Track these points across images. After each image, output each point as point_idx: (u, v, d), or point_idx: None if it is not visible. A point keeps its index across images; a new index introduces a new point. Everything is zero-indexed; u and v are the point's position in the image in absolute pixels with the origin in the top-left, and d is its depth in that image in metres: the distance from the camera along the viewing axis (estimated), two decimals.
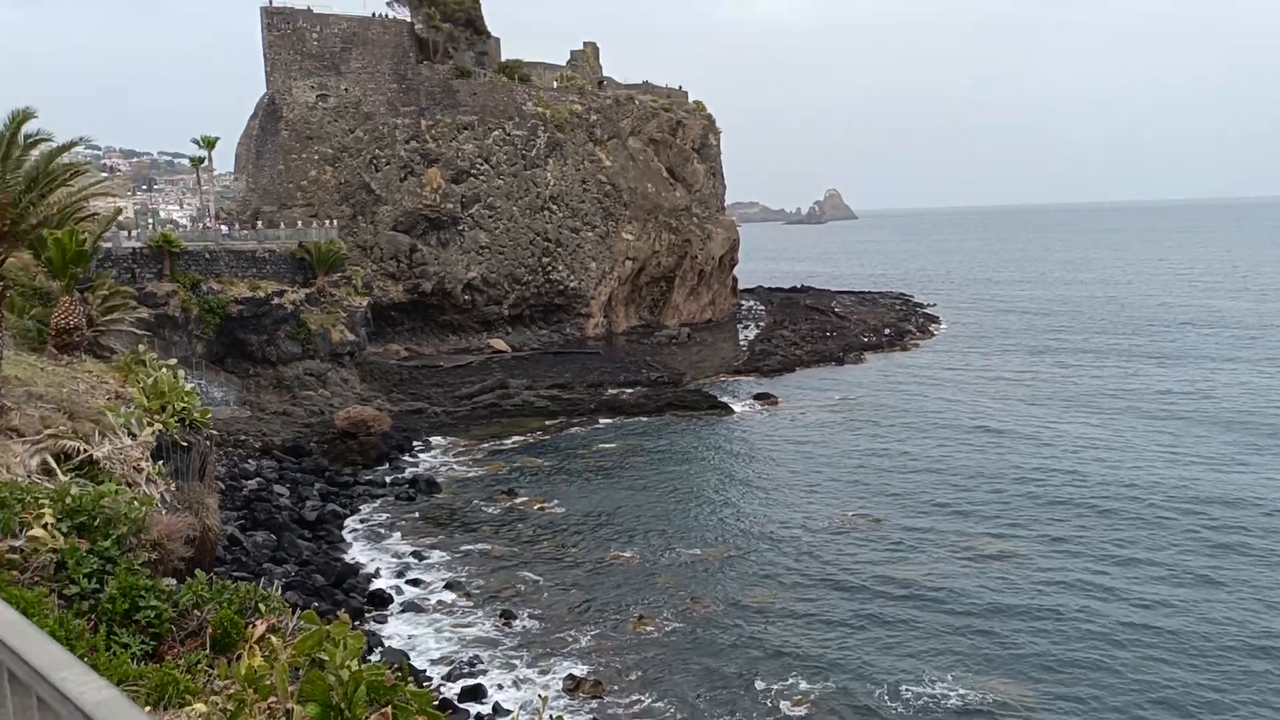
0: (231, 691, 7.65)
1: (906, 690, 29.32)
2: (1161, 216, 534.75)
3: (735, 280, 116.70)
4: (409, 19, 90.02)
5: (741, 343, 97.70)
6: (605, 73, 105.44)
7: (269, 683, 7.44)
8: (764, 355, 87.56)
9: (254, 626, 10.54)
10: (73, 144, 23.82)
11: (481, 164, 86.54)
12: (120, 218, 61.03)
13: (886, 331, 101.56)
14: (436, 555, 41.54)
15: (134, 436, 22.48)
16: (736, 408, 68.47)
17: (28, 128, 22.43)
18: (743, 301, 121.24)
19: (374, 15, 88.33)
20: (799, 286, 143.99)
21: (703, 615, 35.06)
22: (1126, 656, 31.12)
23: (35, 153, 22.90)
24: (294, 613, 11.77)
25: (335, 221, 79.20)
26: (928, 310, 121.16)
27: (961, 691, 29.14)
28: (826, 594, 36.61)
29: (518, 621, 34.58)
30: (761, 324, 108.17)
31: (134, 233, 67.50)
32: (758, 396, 71.61)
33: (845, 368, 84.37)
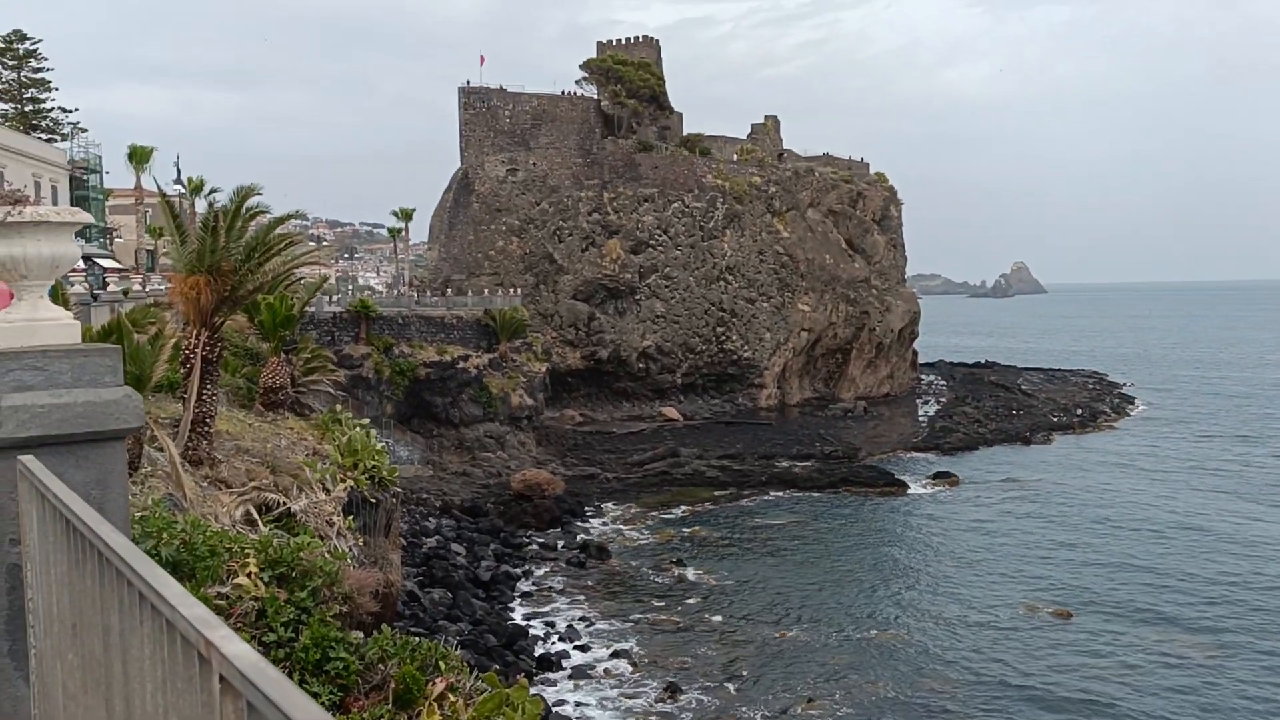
0: None
1: None
2: None
3: (915, 354, 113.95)
4: (596, 96, 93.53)
5: (921, 418, 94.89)
6: (786, 145, 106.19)
7: None
8: (945, 432, 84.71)
9: (434, 684, 10.83)
10: (287, 217, 25.72)
11: (660, 235, 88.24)
12: (323, 284, 65.56)
13: (1078, 411, 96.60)
14: (604, 622, 41.71)
15: (328, 491, 23.72)
16: (914, 486, 66.35)
17: (249, 202, 24.39)
18: (923, 376, 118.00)
19: (563, 93, 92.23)
20: (983, 362, 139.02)
21: (873, 702, 33.75)
22: None
23: (254, 224, 24.83)
24: (470, 672, 12.04)
25: (519, 290, 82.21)
26: (1123, 390, 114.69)
27: None
28: (1008, 694, 34.59)
29: (685, 695, 34.19)
30: (942, 399, 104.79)
31: (335, 298, 71.98)
32: (937, 475, 69.18)
33: (1032, 448, 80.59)
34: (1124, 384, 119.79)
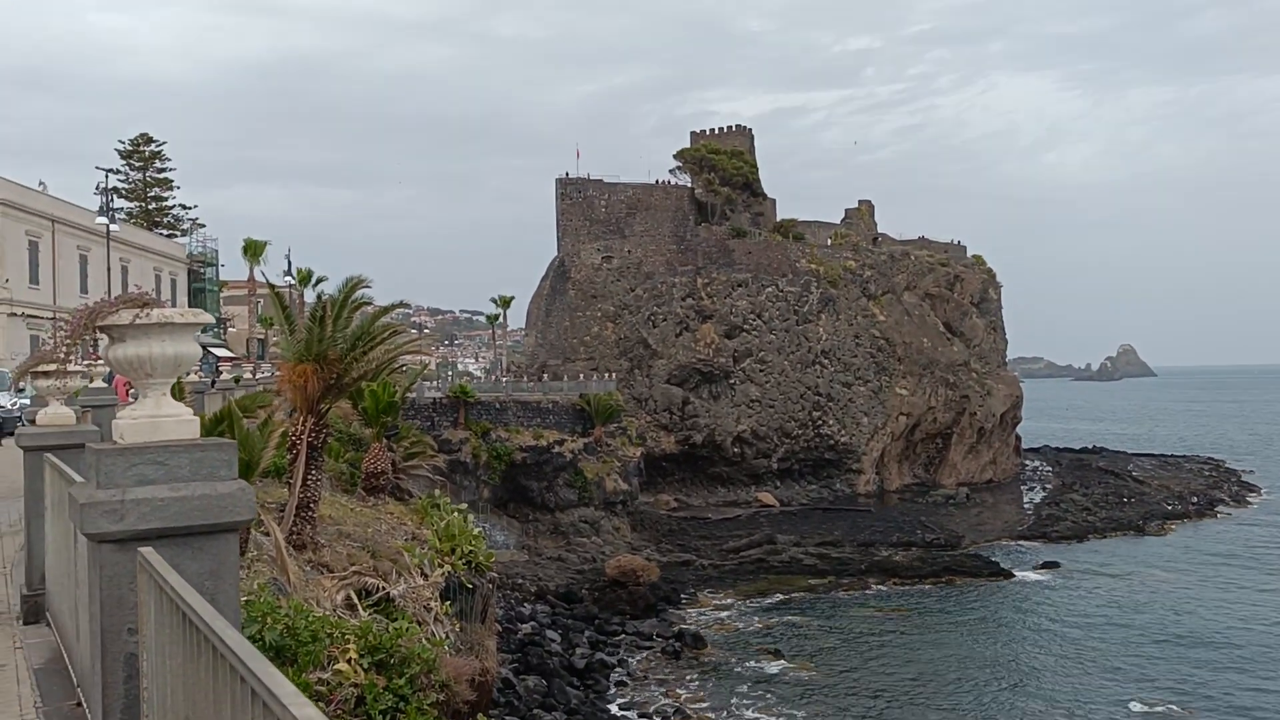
0: None
1: None
2: None
3: (1018, 439, 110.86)
4: (689, 185, 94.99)
5: (1026, 505, 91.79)
6: (880, 229, 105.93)
7: None
8: (1052, 520, 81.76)
9: None
10: (392, 307, 26.51)
11: (754, 319, 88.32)
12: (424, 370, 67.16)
13: (1194, 499, 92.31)
14: (701, 715, 40.79)
15: (426, 576, 23.92)
16: (1021, 575, 63.93)
17: (355, 294, 25.23)
18: (1027, 461, 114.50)
19: (657, 182, 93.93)
20: (1091, 447, 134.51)
21: None
22: None
23: (359, 314, 25.64)
24: None
25: (614, 374, 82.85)
26: (1243, 477, 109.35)
27: None
28: None
29: None
30: (1048, 486, 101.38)
31: (435, 383, 73.55)
32: (1044, 565, 66.64)
33: (1146, 538, 77.11)
34: (1243, 471, 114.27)
